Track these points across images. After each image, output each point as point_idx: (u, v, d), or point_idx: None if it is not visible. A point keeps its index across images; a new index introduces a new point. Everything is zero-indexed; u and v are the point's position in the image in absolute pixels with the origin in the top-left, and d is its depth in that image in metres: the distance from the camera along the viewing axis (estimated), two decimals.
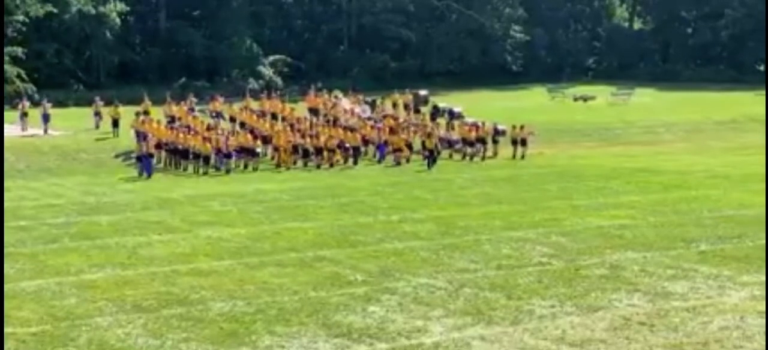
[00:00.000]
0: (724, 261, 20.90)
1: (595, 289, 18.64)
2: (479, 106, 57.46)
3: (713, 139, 50.59)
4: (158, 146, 40.69)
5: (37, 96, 59.86)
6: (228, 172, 39.34)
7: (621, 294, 18.24)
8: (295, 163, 41.18)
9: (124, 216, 28.06)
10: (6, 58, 60.04)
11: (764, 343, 15.34)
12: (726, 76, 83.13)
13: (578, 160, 42.23)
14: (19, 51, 61.38)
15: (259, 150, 41.47)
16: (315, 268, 20.71)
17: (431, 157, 40.28)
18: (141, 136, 42.01)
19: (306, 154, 41.44)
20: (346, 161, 41.71)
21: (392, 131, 44.05)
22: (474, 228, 25.20)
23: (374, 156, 43.28)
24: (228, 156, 39.94)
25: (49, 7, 64.36)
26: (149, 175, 37.70)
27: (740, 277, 19.49)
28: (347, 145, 42.30)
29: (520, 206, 28.95)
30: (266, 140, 42.77)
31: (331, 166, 40.87)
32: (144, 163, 38.22)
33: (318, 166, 40.74)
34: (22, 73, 61.19)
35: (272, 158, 42.25)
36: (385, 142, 43.16)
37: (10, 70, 60.12)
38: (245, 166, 40.38)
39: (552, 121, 52.32)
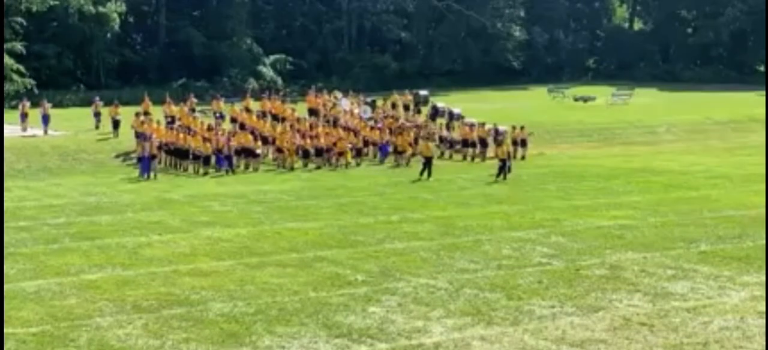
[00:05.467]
0: (724, 261, 20.91)
1: (596, 289, 18.65)
2: (479, 106, 57.45)
3: (713, 139, 50.60)
4: (161, 148, 40.44)
5: (36, 90, 59.97)
6: (228, 172, 39.18)
7: (621, 295, 18.25)
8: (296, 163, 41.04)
9: (125, 216, 28.07)
10: (6, 56, 60.04)
11: (764, 344, 15.34)
12: (726, 76, 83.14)
13: (578, 160, 42.23)
14: (19, 46, 61.39)
15: (259, 151, 41.39)
16: (315, 269, 20.72)
17: (504, 166, 35.85)
18: (141, 137, 41.98)
19: (306, 155, 41.37)
20: (346, 165, 41.60)
21: (394, 133, 43.98)
22: (474, 228, 25.21)
23: (375, 156, 43.19)
24: (228, 158, 39.76)
25: (51, 2, 64.39)
26: (150, 177, 37.63)
27: (740, 277, 19.51)
28: (350, 145, 42.22)
29: (520, 206, 28.96)
30: (267, 141, 42.67)
31: (346, 166, 40.70)
32: (144, 164, 38.10)
33: (318, 167, 40.68)
34: (22, 68, 61.17)
35: (274, 159, 42.16)
36: (387, 144, 43.07)
37: (10, 65, 60.08)
38: (246, 167, 40.31)
39: (552, 121, 52.34)
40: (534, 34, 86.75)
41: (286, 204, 30.09)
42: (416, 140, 43.74)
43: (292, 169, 40.06)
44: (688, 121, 55.06)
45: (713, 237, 23.46)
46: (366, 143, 43.52)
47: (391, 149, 42.71)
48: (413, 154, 42.78)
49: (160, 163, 39.81)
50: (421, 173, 36.74)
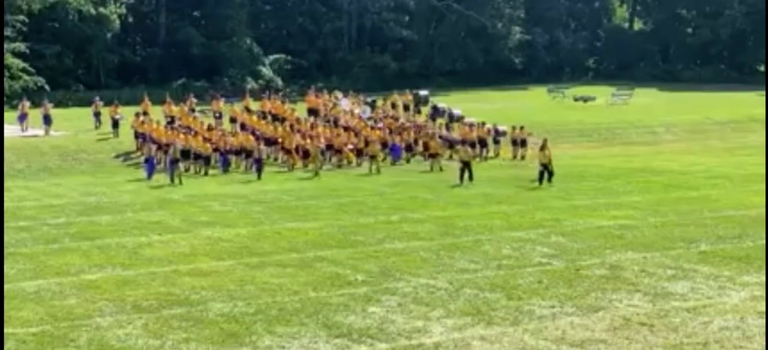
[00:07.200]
0: (724, 261, 20.92)
1: (596, 290, 18.66)
2: (479, 106, 57.46)
3: (713, 139, 50.61)
4: (196, 155, 39.39)
5: (46, 87, 60.16)
6: (259, 176, 37.40)
7: (621, 295, 18.25)
8: (306, 165, 40.45)
9: (125, 216, 28.07)
10: (9, 55, 60.03)
11: (764, 344, 15.35)
12: (726, 76, 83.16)
13: (578, 160, 42.21)
14: (22, 46, 61.46)
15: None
16: (315, 268, 20.73)
17: (547, 171, 34.06)
18: (141, 137, 41.97)
19: (306, 155, 41.26)
20: (349, 163, 41.39)
21: (394, 133, 43.83)
22: (474, 228, 25.21)
23: (385, 158, 42.74)
24: (258, 162, 38.02)
25: (50, 0, 64.53)
26: (176, 180, 35.88)
27: (740, 277, 19.51)
28: (352, 146, 42.04)
29: (520, 206, 28.97)
30: (269, 142, 42.46)
31: (378, 171, 39.16)
32: (150, 165, 37.79)
33: (320, 166, 40.50)
34: (28, 67, 61.19)
35: (275, 159, 42.01)
36: (398, 145, 42.70)
37: (16, 64, 60.14)
38: (247, 168, 40.12)
39: (552, 121, 52.31)
40: (534, 35, 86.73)
41: (286, 205, 30.09)
42: (416, 141, 43.71)
43: (317, 172, 38.22)
44: (688, 121, 55.06)
45: (713, 237, 23.46)
46: (367, 143, 43.34)
47: (427, 154, 42.05)
48: (413, 154, 42.79)
49: (158, 162, 39.68)
50: (461, 178, 35.03)
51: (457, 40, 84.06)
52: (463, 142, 40.82)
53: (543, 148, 34.98)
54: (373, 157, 40.06)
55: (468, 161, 36.11)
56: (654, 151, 45.95)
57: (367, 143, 43.08)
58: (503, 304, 17.68)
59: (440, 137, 44.38)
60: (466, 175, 35.13)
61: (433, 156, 40.80)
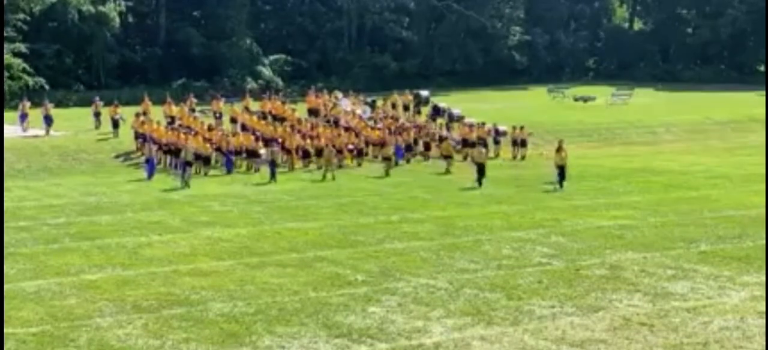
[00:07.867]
0: (724, 261, 20.92)
1: (596, 290, 18.66)
2: (480, 106, 57.44)
3: (713, 139, 50.60)
4: (198, 156, 38.51)
5: (46, 86, 60.17)
6: (273, 179, 36.55)
7: (621, 295, 18.26)
8: (306, 165, 40.37)
9: (125, 216, 28.07)
10: (9, 55, 60.02)
11: (764, 344, 15.35)
12: (726, 76, 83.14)
13: (578, 160, 42.12)
14: (22, 47, 61.44)
15: (262, 151, 41.14)
16: (315, 268, 20.73)
17: (562, 175, 33.27)
18: (141, 138, 41.93)
19: (306, 155, 41.28)
20: (349, 162, 41.36)
21: (395, 133, 43.77)
22: (474, 228, 25.22)
23: (377, 157, 42.78)
24: (272, 164, 37.18)
25: (49, 1, 64.53)
26: (186, 184, 34.92)
27: (740, 277, 19.52)
28: (352, 146, 41.97)
29: (520, 206, 28.98)
30: (269, 142, 42.33)
31: (388, 172, 38.52)
32: (151, 166, 37.69)
33: (319, 167, 40.52)
34: (28, 67, 61.16)
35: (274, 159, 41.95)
36: (401, 146, 42.59)
37: (16, 64, 60.13)
38: (248, 168, 40.13)
39: (552, 121, 52.29)
40: (534, 35, 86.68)
41: (286, 205, 30.09)
42: (416, 141, 43.68)
43: (333, 177, 37.21)
44: (688, 121, 55.05)
45: (713, 237, 23.46)
46: (367, 143, 43.32)
47: (440, 154, 41.81)
48: (412, 154, 42.76)
49: (158, 162, 39.67)
50: (479, 181, 34.23)
51: (457, 40, 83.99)
52: (476, 143, 40.70)
53: (559, 149, 34.34)
54: (387, 159, 39.91)
55: (482, 163, 35.49)
56: (654, 151, 45.94)
57: (367, 143, 43.14)
58: (503, 304, 17.69)
59: (440, 137, 44.42)
60: (475, 175, 34.74)
61: (447, 157, 40.61)
